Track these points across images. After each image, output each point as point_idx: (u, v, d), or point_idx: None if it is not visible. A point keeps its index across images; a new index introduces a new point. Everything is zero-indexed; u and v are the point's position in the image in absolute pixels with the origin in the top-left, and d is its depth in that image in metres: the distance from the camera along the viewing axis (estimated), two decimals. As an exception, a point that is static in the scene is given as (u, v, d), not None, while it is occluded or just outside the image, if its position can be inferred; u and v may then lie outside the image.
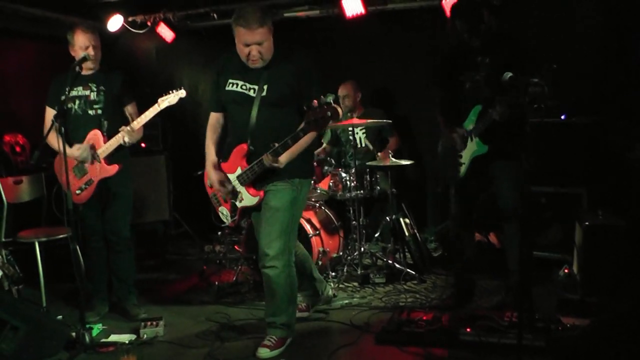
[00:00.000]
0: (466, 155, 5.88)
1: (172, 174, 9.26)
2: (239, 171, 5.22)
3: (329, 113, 4.64)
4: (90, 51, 5.98)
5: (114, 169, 6.07)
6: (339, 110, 4.68)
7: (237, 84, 5.15)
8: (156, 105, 6.04)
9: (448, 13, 7.66)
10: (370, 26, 8.61)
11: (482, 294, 6.35)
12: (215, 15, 9.01)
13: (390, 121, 7.38)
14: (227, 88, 5.20)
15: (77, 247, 5.75)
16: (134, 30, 9.41)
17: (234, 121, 5.31)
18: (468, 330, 5.18)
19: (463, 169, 5.93)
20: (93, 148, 6.02)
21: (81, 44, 5.96)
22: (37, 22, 8.76)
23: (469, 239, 6.18)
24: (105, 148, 6.03)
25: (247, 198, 5.28)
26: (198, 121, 9.87)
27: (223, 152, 5.41)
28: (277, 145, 4.88)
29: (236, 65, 5.15)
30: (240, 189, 5.27)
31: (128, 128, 5.96)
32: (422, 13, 8.29)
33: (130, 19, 9.34)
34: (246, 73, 5.12)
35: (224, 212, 5.52)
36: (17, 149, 8.06)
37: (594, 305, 5.76)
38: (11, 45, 8.87)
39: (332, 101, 4.70)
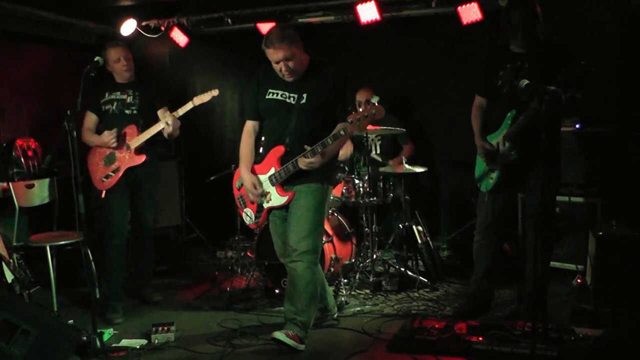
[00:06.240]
0: (498, 162, 5.84)
1: (184, 180, 9.29)
2: (271, 171, 5.46)
3: (373, 111, 4.96)
4: (123, 62, 6.55)
5: (141, 158, 6.48)
6: (383, 110, 5.00)
7: (278, 93, 5.44)
8: (190, 103, 6.53)
9: (463, 20, 7.68)
10: (385, 32, 8.59)
11: (496, 303, 6.31)
12: (229, 20, 8.98)
13: (404, 130, 7.34)
14: (267, 97, 5.48)
15: (89, 252, 5.77)
16: (148, 35, 9.41)
17: (271, 127, 5.56)
18: (481, 339, 5.17)
19: (495, 175, 5.88)
20: (123, 138, 6.48)
21: (113, 57, 6.54)
22: (49, 26, 8.80)
23: (492, 249, 6.11)
24: (137, 139, 6.46)
25: (276, 198, 5.48)
26: (211, 127, 9.88)
27: (256, 157, 5.67)
28: (315, 145, 5.17)
29: (276, 77, 5.44)
30: (270, 189, 5.49)
31: (173, 113, 6.43)
32: (438, 20, 8.26)
33: (144, 23, 9.35)
34: (285, 84, 5.42)
35: (248, 213, 5.72)
36: (29, 153, 8.08)
37: (607, 315, 5.70)
38: (23, 49, 8.87)
39: (376, 103, 5.04)
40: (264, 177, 5.50)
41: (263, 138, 5.75)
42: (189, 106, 6.53)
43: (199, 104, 6.54)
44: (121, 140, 6.48)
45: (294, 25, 8.57)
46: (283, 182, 5.42)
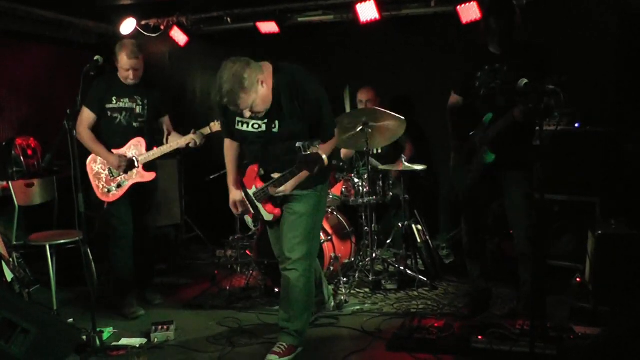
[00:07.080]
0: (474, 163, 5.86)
1: (183, 179, 9.28)
2: (254, 189, 5.31)
3: (315, 158, 4.69)
4: (131, 75, 6.33)
5: (150, 176, 6.48)
6: (325, 161, 4.72)
7: (248, 123, 5.13)
8: (207, 127, 6.61)
9: (463, 19, 7.67)
10: (385, 32, 8.59)
11: (495, 302, 6.31)
12: (229, 20, 8.97)
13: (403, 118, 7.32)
14: (237, 127, 5.20)
15: (88, 250, 5.77)
16: (147, 34, 9.39)
17: (248, 151, 5.38)
18: (480, 338, 5.15)
19: (470, 176, 5.90)
20: (132, 164, 6.36)
21: (125, 66, 6.33)
22: (49, 25, 8.79)
23: (484, 248, 6.11)
24: (147, 156, 6.40)
25: (264, 214, 5.37)
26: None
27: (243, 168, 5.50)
28: (280, 176, 5.02)
29: None
30: (259, 204, 5.34)
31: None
32: (437, 19, 8.25)
33: (143, 22, 9.33)
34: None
35: (248, 220, 5.65)
36: (29, 152, 8.08)
37: (606, 314, 5.72)
38: (23, 48, 8.87)
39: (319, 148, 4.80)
40: (250, 192, 5.37)
41: None
42: (206, 131, 6.60)
43: (216, 130, 6.56)
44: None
45: (294, 25, 8.62)
46: (269, 199, 5.28)
